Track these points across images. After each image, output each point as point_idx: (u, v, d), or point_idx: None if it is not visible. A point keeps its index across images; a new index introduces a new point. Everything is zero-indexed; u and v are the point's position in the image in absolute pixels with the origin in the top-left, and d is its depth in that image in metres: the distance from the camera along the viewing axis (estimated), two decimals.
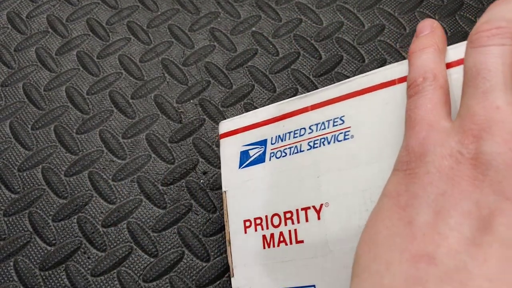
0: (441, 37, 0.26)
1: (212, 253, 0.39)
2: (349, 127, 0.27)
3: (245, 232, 0.31)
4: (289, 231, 0.28)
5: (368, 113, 0.27)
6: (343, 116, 0.27)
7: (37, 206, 0.41)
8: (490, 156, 0.18)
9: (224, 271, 0.38)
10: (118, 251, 0.39)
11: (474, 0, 0.50)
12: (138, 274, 0.38)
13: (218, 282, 0.38)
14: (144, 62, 0.48)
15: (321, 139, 0.27)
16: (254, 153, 0.30)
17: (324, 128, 0.27)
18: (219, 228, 0.40)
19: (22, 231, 0.40)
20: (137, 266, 0.39)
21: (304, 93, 0.46)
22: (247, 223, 0.31)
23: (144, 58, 0.48)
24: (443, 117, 0.21)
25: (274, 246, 0.29)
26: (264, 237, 0.30)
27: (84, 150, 0.44)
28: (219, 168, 0.42)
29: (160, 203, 0.41)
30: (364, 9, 0.50)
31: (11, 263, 0.39)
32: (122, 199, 0.41)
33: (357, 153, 0.27)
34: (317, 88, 0.46)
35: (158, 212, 0.41)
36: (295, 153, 0.28)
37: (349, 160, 0.27)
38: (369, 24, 0.49)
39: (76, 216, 0.41)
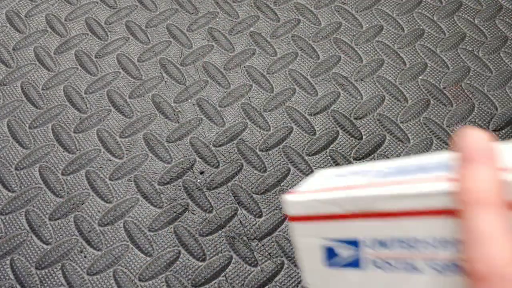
0: None
1: (208, 253, 0.39)
2: None
3: None
4: None
5: None
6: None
7: (34, 204, 0.41)
8: None
9: (220, 271, 0.38)
10: (115, 250, 0.39)
11: (473, 1, 0.50)
12: (134, 273, 0.38)
13: (214, 281, 0.38)
14: (142, 61, 0.48)
15: (443, 264, 0.21)
16: (342, 253, 0.25)
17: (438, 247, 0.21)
18: (215, 227, 0.40)
19: (19, 229, 0.40)
20: (133, 265, 0.39)
21: (303, 94, 0.47)
22: None
23: (142, 57, 0.48)
24: None
25: None
26: None
27: (82, 149, 0.44)
28: (216, 167, 0.42)
29: (157, 202, 0.41)
30: (362, 10, 0.50)
31: (8, 262, 0.39)
32: (118, 198, 0.41)
33: None
34: (316, 91, 0.46)
35: (154, 211, 0.41)
36: (409, 271, 0.22)
37: None
38: (367, 25, 0.49)
39: (72, 215, 0.41)
